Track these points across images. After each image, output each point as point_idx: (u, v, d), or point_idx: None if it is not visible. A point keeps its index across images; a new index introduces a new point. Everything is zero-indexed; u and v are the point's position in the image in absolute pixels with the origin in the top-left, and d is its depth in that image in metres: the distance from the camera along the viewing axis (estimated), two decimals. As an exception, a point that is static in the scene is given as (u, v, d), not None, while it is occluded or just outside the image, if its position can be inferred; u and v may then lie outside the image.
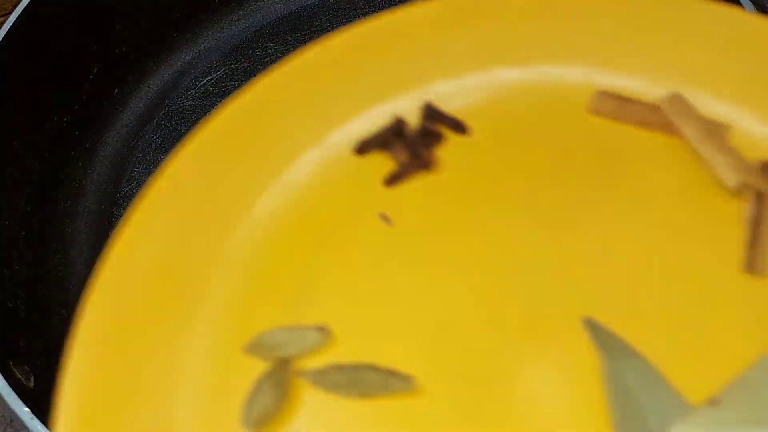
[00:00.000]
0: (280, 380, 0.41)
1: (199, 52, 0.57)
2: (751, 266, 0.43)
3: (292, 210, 0.46)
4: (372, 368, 0.41)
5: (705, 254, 0.44)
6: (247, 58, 0.59)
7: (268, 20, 0.59)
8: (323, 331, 0.42)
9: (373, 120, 0.49)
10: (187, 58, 0.57)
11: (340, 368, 0.42)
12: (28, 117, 0.50)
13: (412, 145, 0.47)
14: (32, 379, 0.43)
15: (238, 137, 0.47)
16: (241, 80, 0.58)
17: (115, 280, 0.43)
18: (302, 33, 0.59)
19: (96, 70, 0.53)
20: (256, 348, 0.42)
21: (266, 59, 0.58)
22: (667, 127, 0.47)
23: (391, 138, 0.48)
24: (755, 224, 0.44)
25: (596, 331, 0.42)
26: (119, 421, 0.41)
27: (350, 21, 0.55)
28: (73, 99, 0.52)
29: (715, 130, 0.46)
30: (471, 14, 0.50)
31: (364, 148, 0.48)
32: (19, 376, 0.43)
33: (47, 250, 0.49)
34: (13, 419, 0.43)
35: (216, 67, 0.57)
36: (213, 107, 0.56)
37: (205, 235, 0.45)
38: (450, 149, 0.48)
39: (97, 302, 0.43)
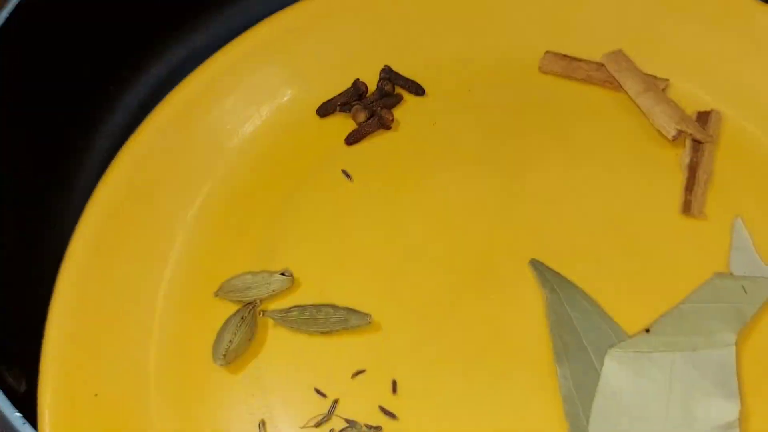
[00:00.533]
0: (247, 320, 0.44)
1: (194, 48, 0.56)
2: (688, 208, 0.46)
3: (259, 168, 0.50)
4: (332, 307, 0.44)
5: (645, 198, 0.47)
6: None
7: (262, 16, 0.58)
8: (287, 275, 0.45)
9: (335, 84, 0.51)
10: (182, 54, 0.56)
11: (302, 308, 0.45)
12: (20, 115, 0.50)
13: (371, 106, 0.50)
14: (24, 383, 0.44)
15: (208, 99, 0.51)
16: None
17: (94, 234, 0.47)
18: None
19: (89, 67, 0.53)
20: (225, 292, 0.45)
21: None
22: (611, 83, 0.50)
23: (351, 100, 0.51)
24: (692, 170, 0.47)
25: (541, 271, 0.45)
26: (100, 359, 0.44)
27: None
28: (65, 97, 0.51)
29: (655, 85, 0.49)
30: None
31: (326, 110, 0.51)
32: (11, 380, 0.44)
33: (39, 251, 0.48)
34: (5, 423, 0.44)
35: None
36: None
37: (177, 190, 0.48)
38: (408, 110, 0.51)
39: (78, 254, 0.46)
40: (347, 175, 0.49)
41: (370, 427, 0.42)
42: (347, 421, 0.42)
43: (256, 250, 0.47)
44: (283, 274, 0.45)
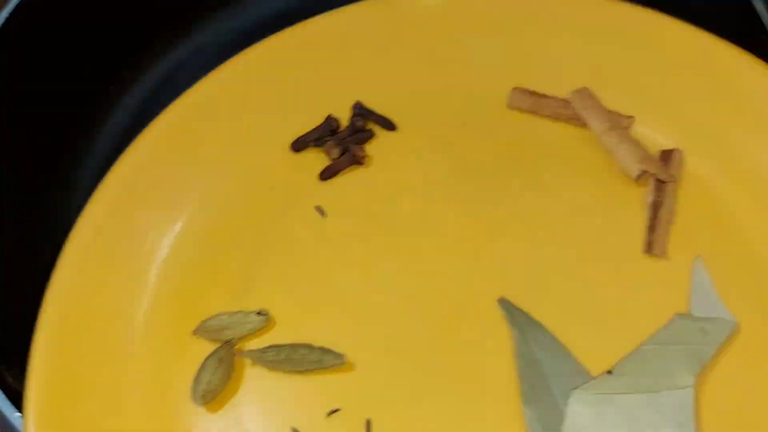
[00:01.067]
0: (224, 359, 0.45)
1: (194, 48, 0.58)
2: (650, 248, 0.48)
3: (234, 204, 0.51)
4: (307, 347, 0.46)
5: (608, 237, 0.48)
6: None
7: (264, 16, 0.58)
8: (263, 315, 0.47)
9: (308, 120, 0.52)
10: (182, 54, 0.57)
11: (278, 347, 0.46)
12: (20, 115, 0.51)
13: (344, 142, 0.51)
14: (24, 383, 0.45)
15: (182, 137, 0.51)
16: None
17: (71, 275, 0.47)
18: None
19: (89, 67, 0.53)
20: (202, 331, 0.46)
21: None
22: (577, 120, 0.52)
23: (324, 135, 0.52)
24: (655, 209, 0.48)
25: (509, 310, 0.46)
26: (80, 398, 0.45)
27: None
28: (65, 97, 0.53)
29: (619, 122, 0.51)
30: (395, 18, 0.54)
31: (299, 145, 0.52)
32: (11, 380, 0.45)
33: (39, 251, 0.49)
34: (5, 423, 0.44)
35: (211, 63, 0.55)
36: None
37: (150, 230, 0.49)
38: (379, 145, 0.52)
39: (57, 294, 0.47)
40: (321, 212, 0.50)
41: (345, 465, 0.44)
42: (323, 459, 0.44)
43: (232, 288, 0.48)
44: (259, 313, 0.47)
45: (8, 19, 0.49)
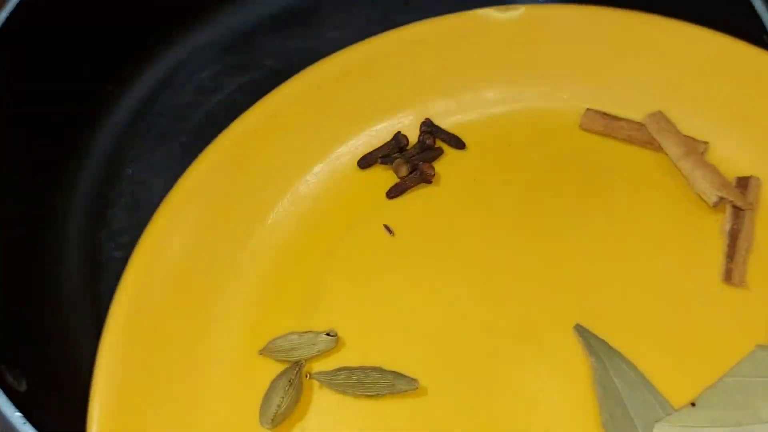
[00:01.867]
0: (294, 382, 0.44)
1: (194, 47, 0.58)
2: (729, 277, 0.47)
3: (301, 222, 0.50)
4: (379, 370, 0.45)
5: (686, 265, 0.48)
6: (243, 53, 0.58)
7: (264, 15, 0.59)
8: (332, 335, 0.46)
9: (376, 136, 0.52)
10: (182, 53, 0.57)
11: (348, 370, 0.45)
12: (19, 115, 0.50)
13: (412, 160, 0.51)
14: (24, 383, 0.44)
15: (250, 154, 0.51)
16: (237, 76, 0.57)
17: (138, 293, 0.46)
18: (298, 28, 0.59)
19: (88, 66, 0.52)
20: (270, 352, 0.46)
21: (262, 54, 0.58)
22: (651, 144, 0.51)
23: (392, 152, 0.51)
24: (733, 237, 0.48)
25: (586, 337, 0.45)
26: (144, 420, 0.44)
27: (347, 16, 0.55)
28: (64, 96, 0.52)
29: (695, 147, 0.50)
30: (468, 34, 0.53)
31: (367, 162, 0.51)
32: (11, 380, 0.44)
33: (40, 251, 0.49)
34: (5, 423, 0.44)
35: (211, 62, 0.57)
36: (208, 103, 0.56)
37: (221, 247, 0.48)
38: (448, 164, 0.52)
39: (122, 314, 0.46)
40: (389, 230, 0.49)
41: (417, 493, 0.43)
42: (394, 487, 0.43)
43: (299, 307, 0.47)
44: (328, 334, 0.46)
45: (8, 19, 0.49)
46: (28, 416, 0.41)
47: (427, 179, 0.50)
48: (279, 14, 0.58)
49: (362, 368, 0.45)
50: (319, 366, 0.46)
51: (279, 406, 0.44)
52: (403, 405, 0.45)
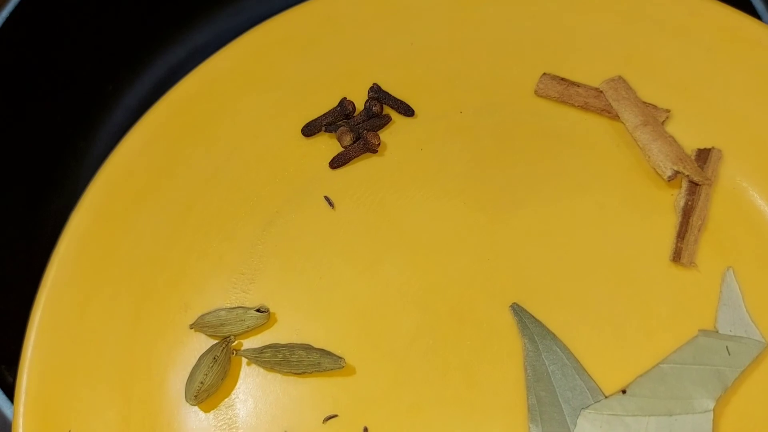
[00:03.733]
0: (220, 359, 0.45)
1: (194, 47, 0.59)
2: (678, 257, 0.46)
3: (239, 191, 0.50)
4: (305, 348, 0.46)
5: (634, 242, 0.47)
6: None
7: (264, 15, 0.56)
8: (263, 311, 0.46)
9: (321, 102, 0.51)
10: (182, 53, 0.58)
11: (275, 348, 0.46)
12: (20, 115, 0.52)
13: (358, 128, 0.50)
14: None
15: (187, 120, 0.51)
16: None
17: (72, 261, 0.48)
18: None
19: (89, 66, 0.54)
20: (200, 327, 0.47)
21: None
22: (609, 112, 0.50)
23: (337, 120, 0.51)
24: (686, 214, 0.47)
25: (522, 317, 0.45)
26: (74, 394, 0.45)
27: None
28: (65, 96, 0.54)
29: (654, 116, 0.49)
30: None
31: (310, 130, 0.51)
32: (11, 380, 0.47)
33: (40, 251, 0.50)
34: (5, 423, 0.45)
35: None
36: None
37: (156, 217, 0.49)
38: (396, 131, 0.51)
39: (54, 284, 0.47)
40: (330, 202, 0.49)
41: (340, 473, 0.44)
42: (317, 466, 0.44)
43: (232, 282, 0.48)
44: (258, 310, 0.46)
45: (8, 19, 0.50)
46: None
47: (372, 149, 0.50)
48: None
49: (289, 346, 0.46)
50: (250, 343, 0.47)
51: (202, 382, 0.45)
52: (331, 383, 0.46)
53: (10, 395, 0.46)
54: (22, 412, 0.45)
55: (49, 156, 0.48)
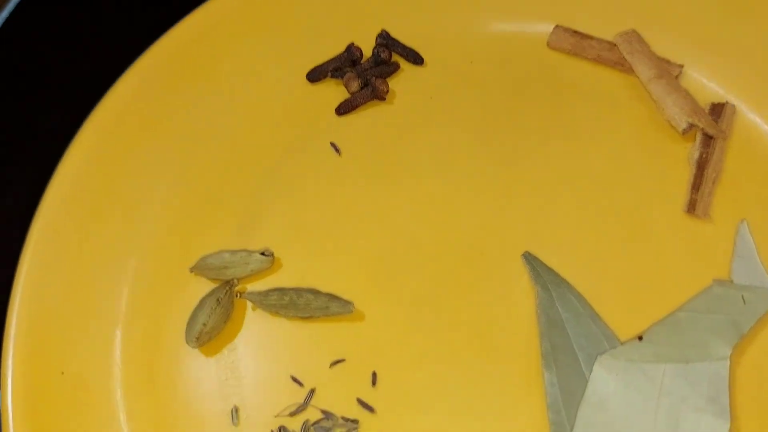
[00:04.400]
0: (223, 302, 0.44)
1: None
2: (692, 208, 0.46)
3: (244, 135, 0.49)
4: (313, 292, 0.45)
5: (648, 194, 0.47)
6: None
7: None
8: (267, 255, 0.46)
9: (328, 47, 0.51)
10: None
11: (282, 291, 0.45)
12: (21, 118, 0.52)
13: (365, 74, 0.50)
14: None
15: (190, 61, 0.50)
16: None
17: (64, 199, 0.47)
18: None
19: (88, 67, 0.52)
20: (201, 269, 0.46)
21: None
22: (622, 65, 0.50)
23: (344, 66, 0.50)
24: (700, 167, 0.47)
25: (534, 265, 0.45)
26: (67, 335, 0.44)
27: None
28: (65, 97, 0.52)
29: (668, 70, 0.49)
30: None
31: (316, 75, 0.50)
32: None
33: None
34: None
35: None
36: None
37: (155, 156, 0.48)
38: (404, 80, 0.51)
39: (45, 223, 0.46)
40: (336, 149, 0.49)
41: (346, 419, 0.43)
42: (323, 412, 0.43)
43: (236, 225, 0.47)
44: (263, 253, 0.46)
45: (8, 19, 0.50)
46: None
47: (379, 95, 0.50)
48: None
49: (296, 289, 0.45)
50: (254, 287, 0.46)
51: (205, 324, 0.44)
52: (338, 329, 0.45)
53: None
54: (12, 353, 0.43)
55: (49, 156, 0.48)
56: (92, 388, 0.44)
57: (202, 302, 0.45)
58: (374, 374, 0.44)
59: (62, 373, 0.43)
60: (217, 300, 0.44)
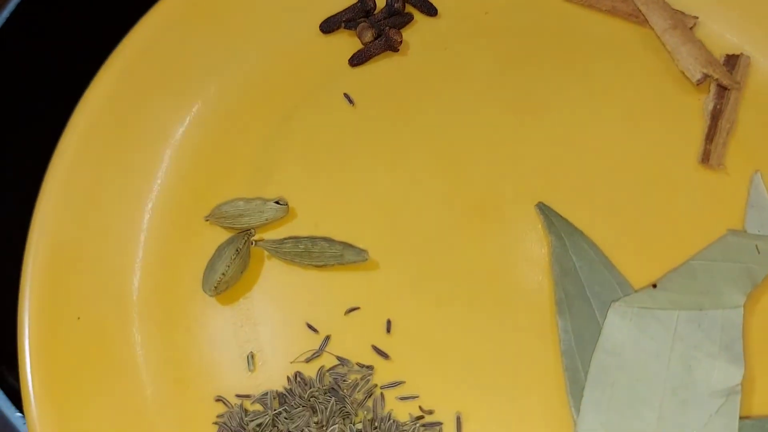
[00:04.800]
0: (242, 251, 0.45)
1: None
2: (706, 158, 0.47)
3: (256, 85, 0.50)
4: (327, 240, 0.45)
5: (662, 144, 0.47)
6: None
7: None
8: (282, 203, 0.46)
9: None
10: None
11: (297, 240, 0.45)
12: (20, 116, 0.52)
13: (379, 25, 0.50)
14: None
15: (202, 9, 0.50)
16: None
17: (78, 147, 0.47)
18: None
19: (88, 68, 0.53)
20: (216, 217, 0.46)
21: None
22: (636, 17, 0.50)
23: (357, 16, 0.51)
24: (714, 118, 0.47)
25: (548, 215, 0.46)
26: (83, 281, 0.45)
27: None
28: (65, 97, 0.51)
29: (683, 21, 0.49)
30: None
31: (330, 26, 0.51)
32: (12, 380, 0.46)
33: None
34: (5, 423, 0.45)
35: None
36: None
37: (166, 107, 0.48)
38: (418, 30, 0.51)
39: (60, 170, 0.47)
40: (349, 100, 0.49)
41: (361, 365, 0.43)
42: (338, 358, 0.44)
43: (250, 174, 0.48)
44: (277, 202, 0.46)
45: (8, 19, 0.50)
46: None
47: (393, 46, 0.50)
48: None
49: (311, 237, 0.46)
50: (268, 236, 0.46)
51: (224, 274, 0.44)
52: (353, 277, 0.45)
53: (10, 395, 0.45)
54: (29, 298, 0.44)
55: (49, 156, 0.48)
56: (107, 334, 0.44)
57: (220, 251, 0.45)
58: (389, 321, 0.44)
59: (78, 318, 0.44)
60: (236, 250, 0.45)
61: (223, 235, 0.46)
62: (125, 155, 0.47)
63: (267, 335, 0.44)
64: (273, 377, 0.44)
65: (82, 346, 0.44)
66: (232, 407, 0.43)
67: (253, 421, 0.42)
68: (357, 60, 0.50)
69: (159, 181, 0.47)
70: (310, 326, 0.44)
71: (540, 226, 0.46)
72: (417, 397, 0.43)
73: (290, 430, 0.42)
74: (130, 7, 0.51)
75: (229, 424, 0.42)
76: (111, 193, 0.47)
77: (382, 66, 0.50)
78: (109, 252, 0.46)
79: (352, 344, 0.44)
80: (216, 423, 0.43)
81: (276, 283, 0.46)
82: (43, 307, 0.44)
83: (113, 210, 0.46)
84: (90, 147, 0.47)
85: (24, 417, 0.42)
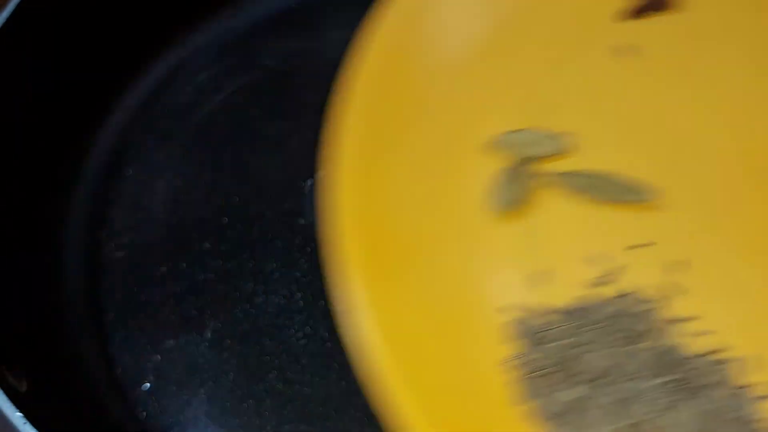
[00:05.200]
0: (522, 176, 0.45)
1: (195, 47, 0.59)
2: None
3: (538, 24, 0.50)
4: (614, 175, 0.45)
5: None
6: (244, 53, 0.60)
7: (264, 16, 0.60)
8: (569, 137, 0.46)
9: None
10: (182, 54, 0.59)
11: (580, 173, 0.46)
12: (19, 115, 0.52)
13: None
14: (25, 383, 0.45)
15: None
16: (238, 76, 0.59)
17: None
18: (299, 28, 0.60)
19: (87, 67, 0.55)
20: (503, 144, 0.46)
21: (262, 54, 0.59)
22: None
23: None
24: None
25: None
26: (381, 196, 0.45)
27: (348, 16, 0.53)
28: (64, 97, 0.54)
29: None
30: None
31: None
32: (12, 380, 0.46)
33: (40, 252, 0.51)
34: (5, 423, 0.45)
35: (211, 63, 0.59)
36: (208, 103, 0.58)
37: (456, 29, 0.50)
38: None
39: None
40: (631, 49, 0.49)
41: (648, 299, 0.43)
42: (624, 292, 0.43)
43: (536, 105, 0.48)
44: (563, 135, 0.46)
45: (8, 19, 0.51)
46: (29, 416, 0.42)
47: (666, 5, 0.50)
48: (278, 15, 0.60)
49: (596, 172, 0.46)
50: (552, 167, 0.46)
51: (510, 194, 0.44)
52: (637, 216, 0.45)
53: (11, 395, 0.46)
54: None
55: (49, 156, 0.49)
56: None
57: (505, 174, 0.46)
58: (676, 261, 0.44)
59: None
60: (518, 176, 0.45)
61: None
62: (413, 80, 0.48)
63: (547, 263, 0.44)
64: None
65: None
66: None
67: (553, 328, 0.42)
68: (635, 13, 0.50)
69: (441, 112, 0.48)
70: (590, 259, 0.44)
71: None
72: (712, 332, 0.42)
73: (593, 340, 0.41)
74: (130, 7, 0.52)
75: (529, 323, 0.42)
76: (400, 121, 0.47)
77: (657, 21, 0.50)
78: (400, 173, 0.46)
79: (643, 279, 0.43)
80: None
81: (558, 214, 0.45)
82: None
83: (404, 134, 0.47)
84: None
85: (24, 417, 0.42)
